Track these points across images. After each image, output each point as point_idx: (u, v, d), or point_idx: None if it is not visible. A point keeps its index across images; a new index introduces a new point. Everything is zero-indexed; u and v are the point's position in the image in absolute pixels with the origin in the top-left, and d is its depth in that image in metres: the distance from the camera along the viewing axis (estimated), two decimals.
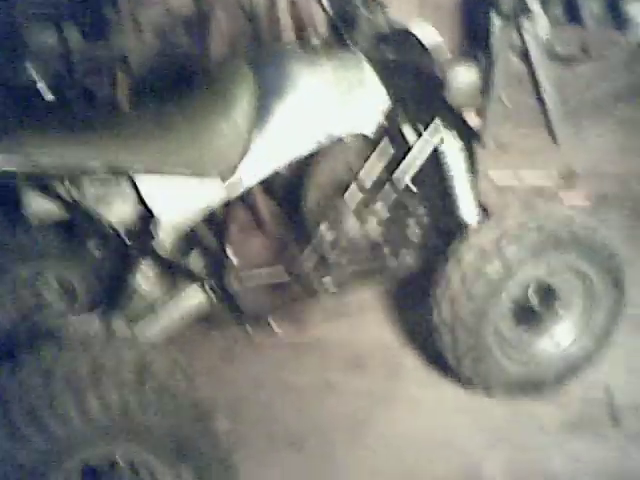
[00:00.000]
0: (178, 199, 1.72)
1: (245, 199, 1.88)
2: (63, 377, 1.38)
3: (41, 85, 2.41)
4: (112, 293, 1.87)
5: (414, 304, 2.15)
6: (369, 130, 1.89)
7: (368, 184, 2.08)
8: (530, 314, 1.95)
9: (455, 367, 1.95)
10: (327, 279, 2.04)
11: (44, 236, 2.02)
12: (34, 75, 3.18)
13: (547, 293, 1.95)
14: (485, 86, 2.79)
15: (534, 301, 1.93)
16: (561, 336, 1.99)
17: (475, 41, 3.32)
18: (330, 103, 1.82)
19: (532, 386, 1.97)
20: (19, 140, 1.52)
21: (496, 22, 2.94)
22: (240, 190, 1.77)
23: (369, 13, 1.90)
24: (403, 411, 2.00)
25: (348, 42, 1.89)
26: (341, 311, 2.28)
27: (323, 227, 2.05)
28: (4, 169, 1.49)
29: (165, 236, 1.75)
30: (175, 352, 1.59)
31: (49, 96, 2.17)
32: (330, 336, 2.27)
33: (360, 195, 2.08)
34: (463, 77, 1.89)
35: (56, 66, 3.74)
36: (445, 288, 1.88)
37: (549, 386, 1.99)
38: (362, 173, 2.07)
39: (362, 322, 2.33)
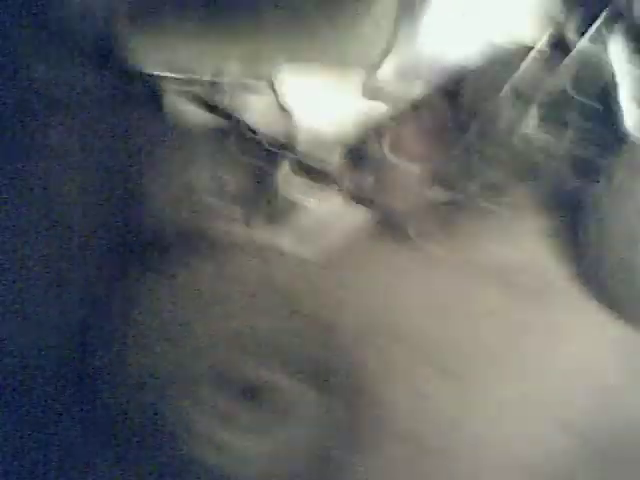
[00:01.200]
0: (319, 101, 1.63)
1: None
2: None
3: None
4: (256, 194, 1.84)
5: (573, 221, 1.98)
6: (531, 31, 1.69)
7: (526, 84, 1.89)
8: None
9: (601, 289, 1.82)
10: (477, 180, 1.90)
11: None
12: None
13: None
14: None
15: None
16: None
17: None
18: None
19: None
20: (156, 40, 1.51)
21: None
22: (388, 94, 1.66)
23: None
24: (547, 338, 1.88)
25: None
26: (495, 228, 2.10)
27: (476, 124, 1.90)
28: (140, 71, 1.50)
29: (306, 139, 1.68)
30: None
31: None
32: (481, 255, 2.11)
33: (517, 96, 1.88)
34: None
35: None
36: (595, 205, 1.74)
37: None
38: (520, 73, 1.88)
39: (516, 240, 2.15)
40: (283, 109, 1.63)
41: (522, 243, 2.13)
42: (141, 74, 1.53)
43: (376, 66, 1.61)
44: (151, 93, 1.66)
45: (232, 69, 1.53)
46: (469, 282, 2.05)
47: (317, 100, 1.63)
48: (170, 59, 1.51)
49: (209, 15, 1.55)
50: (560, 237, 2.12)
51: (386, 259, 2.04)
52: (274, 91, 1.60)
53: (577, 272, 1.96)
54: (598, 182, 1.78)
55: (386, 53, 1.61)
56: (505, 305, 1.98)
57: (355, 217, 1.84)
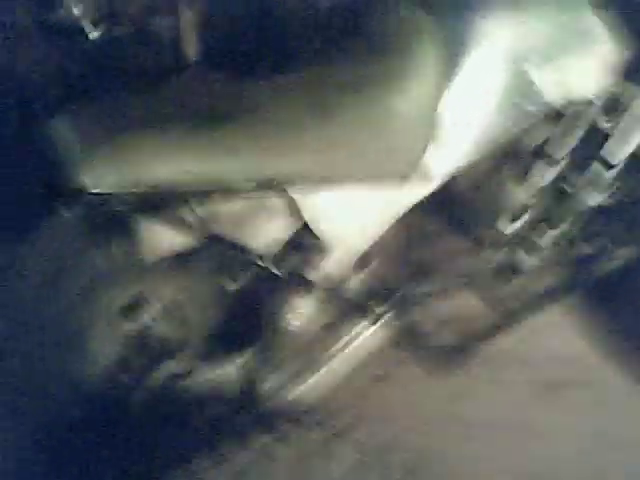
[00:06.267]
0: (352, 213, 1.27)
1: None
2: None
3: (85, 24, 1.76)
4: (249, 334, 1.44)
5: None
6: (590, 98, 1.37)
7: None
8: None
9: None
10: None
11: None
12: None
13: None
14: None
15: None
16: None
17: None
18: (541, 63, 1.30)
19: None
20: (119, 148, 1.09)
21: None
22: (428, 189, 1.30)
23: None
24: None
25: None
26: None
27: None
28: (102, 192, 1.07)
29: (335, 263, 1.31)
30: None
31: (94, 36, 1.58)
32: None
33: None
34: None
35: None
36: None
37: None
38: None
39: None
40: (301, 223, 1.26)
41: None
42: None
43: (407, 175, 1.26)
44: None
45: (234, 184, 1.15)
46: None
47: (349, 210, 1.28)
48: (134, 172, 1.10)
49: (195, 123, 1.15)
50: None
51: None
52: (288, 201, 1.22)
53: None
54: None
55: (420, 158, 1.26)
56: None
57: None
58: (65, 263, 1.41)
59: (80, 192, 1.09)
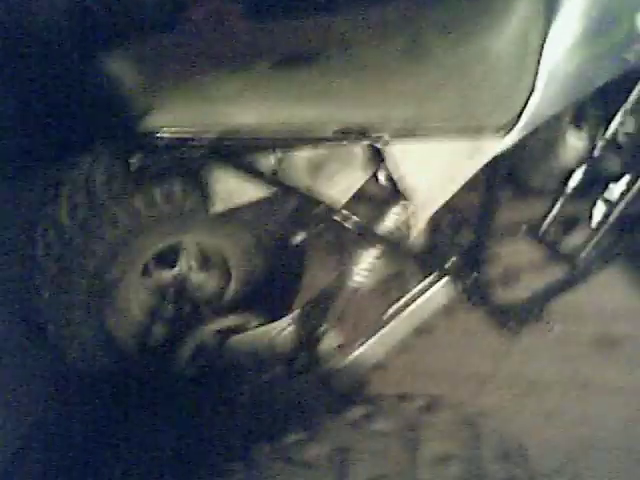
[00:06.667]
0: (434, 165, 1.17)
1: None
2: None
3: None
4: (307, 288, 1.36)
5: None
6: None
7: None
8: None
9: None
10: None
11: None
12: None
13: None
14: None
15: None
16: None
17: None
18: None
19: None
20: (192, 89, 0.97)
21: None
22: (511, 141, 1.20)
23: None
24: None
25: None
26: None
27: None
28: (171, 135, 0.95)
29: (410, 216, 1.21)
30: None
31: None
32: None
33: None
34: None
35: None
36: None
37: None
38: None
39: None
40: (382, 184, 1.17)
41: None
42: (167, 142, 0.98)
43: (507, 129, 1.17)
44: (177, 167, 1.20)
45: (320, 131, 1.04)
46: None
47: (434, 161, 1.17)
48: (215, 119, 0.98)
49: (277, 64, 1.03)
50: None
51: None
52: (380, 165, 1.13)
53: None
54: None
55: (520, 109, 1.16)
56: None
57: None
58: (102, 209, 1.29)
59: (147, 136, 0.97)
